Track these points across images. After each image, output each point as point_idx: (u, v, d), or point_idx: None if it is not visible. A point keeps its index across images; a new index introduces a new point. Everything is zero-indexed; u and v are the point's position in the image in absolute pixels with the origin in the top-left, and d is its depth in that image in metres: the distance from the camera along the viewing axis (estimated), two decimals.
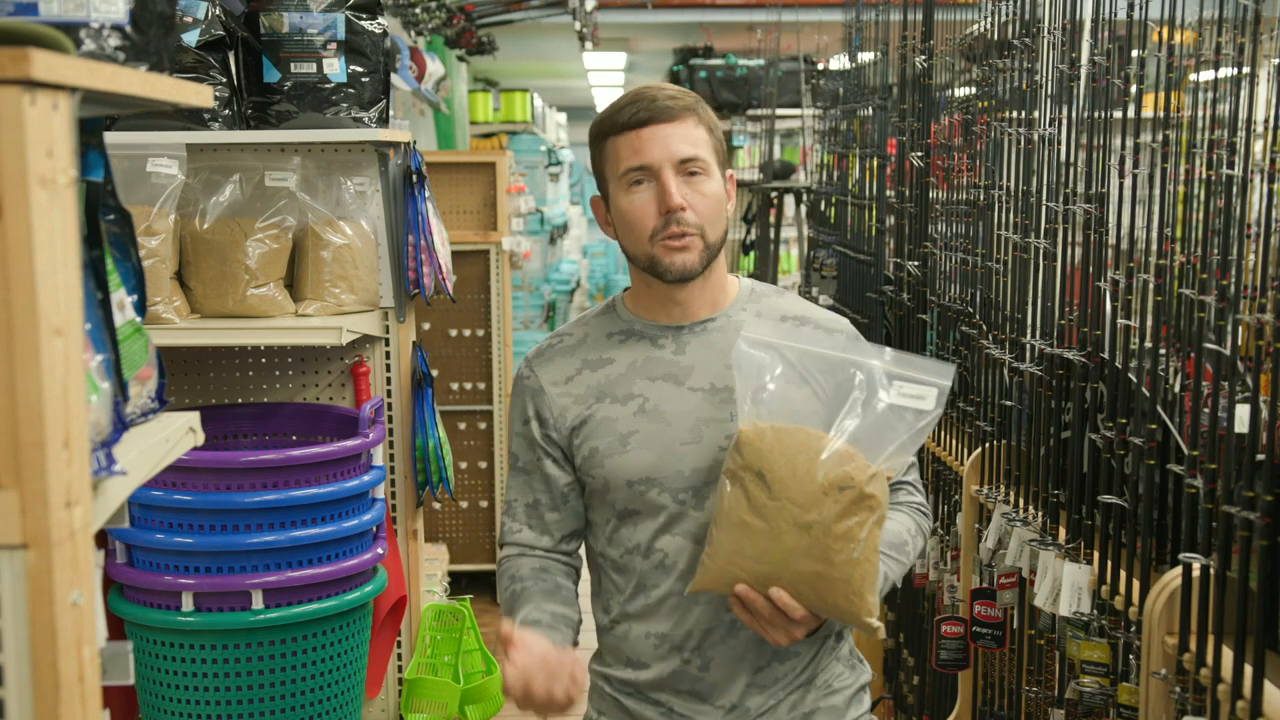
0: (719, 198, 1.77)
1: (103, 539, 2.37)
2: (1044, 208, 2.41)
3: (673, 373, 1.79)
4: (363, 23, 2.67)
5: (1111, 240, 2.17)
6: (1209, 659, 1.69)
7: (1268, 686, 1.56)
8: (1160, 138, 1.96)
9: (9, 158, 0.91)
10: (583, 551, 1.90)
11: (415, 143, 2.86)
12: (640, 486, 1.78)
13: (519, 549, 1.86)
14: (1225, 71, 1.79)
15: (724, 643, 1.77)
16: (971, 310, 2.81)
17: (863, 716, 1.88)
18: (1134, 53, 2.09)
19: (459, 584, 5.10)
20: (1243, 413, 1.65)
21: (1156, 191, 1.98)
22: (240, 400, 2.81)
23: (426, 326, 5.01)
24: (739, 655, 1.77)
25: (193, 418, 1.33)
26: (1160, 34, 1.96)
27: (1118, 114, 2.12)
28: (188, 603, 2.31)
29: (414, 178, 2.77)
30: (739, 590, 1.64)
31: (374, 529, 2.54)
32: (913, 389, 1.63)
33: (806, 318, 1.85)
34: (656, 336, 1.82)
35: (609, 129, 1.77)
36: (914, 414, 1.62)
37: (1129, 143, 2.07)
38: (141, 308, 1.22)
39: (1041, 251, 2.40)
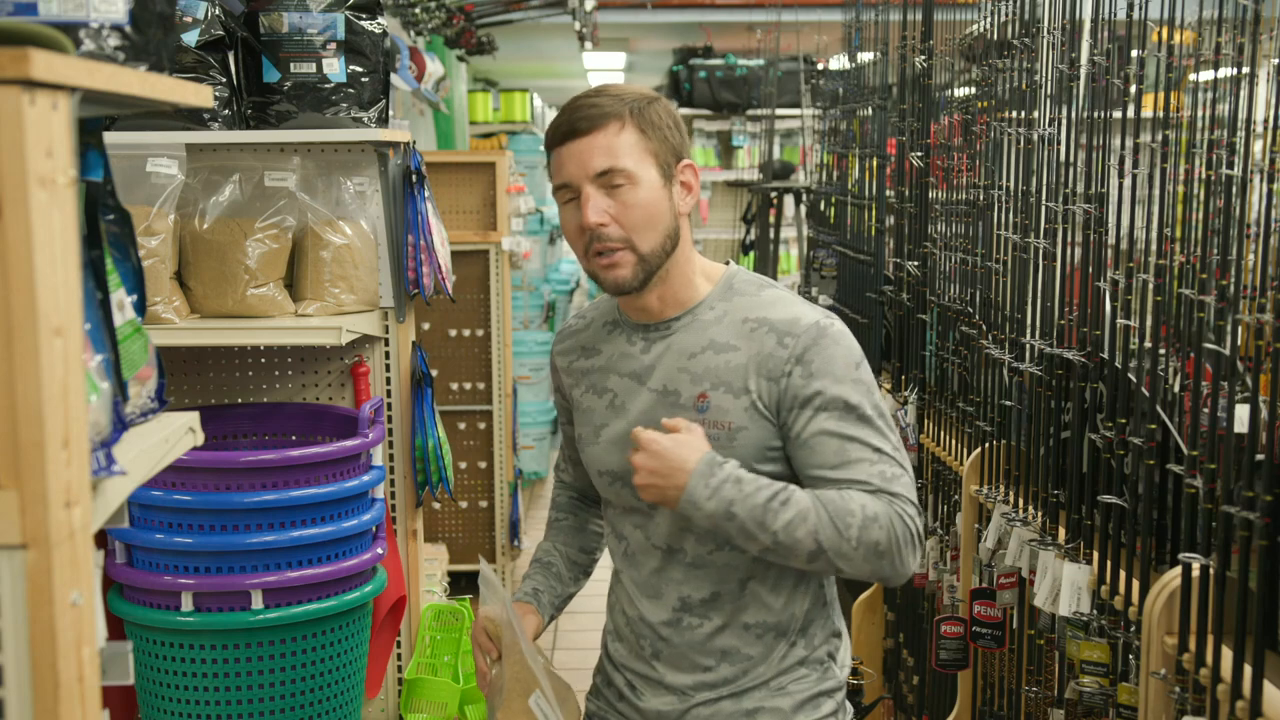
0: (648, 205, 1.72)
1: (102, 539, 2.37)
2: (1044, 208, 2.41)
3: (636, 371, 1.84)
4: (362, 23, 2.67)
5: (1111, 240, 2.17)
6: (1209, 659, 1.69)
7: (1267, 686, 1.56)
8: (1160, 138, 1.96)
9: (9, 158, 0.91)
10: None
11: (415, 143, 2.86)
12: (607, 477, 1.87)
13: (560, 484, 2.14)
14: (1225, 71, 1.79)
15: (674, 634, 1.84)
16: (971, 310, 2.81)
17: None
18: (1134, 53, 2.09)
19: (459, 584, 5.10)
20: (1242, 413, 1.65)
21: (1156, 191, 1.98)
22: (240, 400, 2.80)
23: (426, 326, 5.00)
24: (685, 653, 1.83)
25: (192, 418, 1.33)
26: (1160, 34, 1.96)
27: (1117, 114, 2.12)
28: (187, 603, 2.31)
29: (414, 178, 2.77)
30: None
31: (374, 529, 2.53)
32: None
33: (765, 319, 1.77)
34: (630, 333, 1.87)
35: (547, 142, 1.79)
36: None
37: (1129, 143, 2.07)
38: (141, 308, 1.22)
39: (1041, 251, 2.40)
